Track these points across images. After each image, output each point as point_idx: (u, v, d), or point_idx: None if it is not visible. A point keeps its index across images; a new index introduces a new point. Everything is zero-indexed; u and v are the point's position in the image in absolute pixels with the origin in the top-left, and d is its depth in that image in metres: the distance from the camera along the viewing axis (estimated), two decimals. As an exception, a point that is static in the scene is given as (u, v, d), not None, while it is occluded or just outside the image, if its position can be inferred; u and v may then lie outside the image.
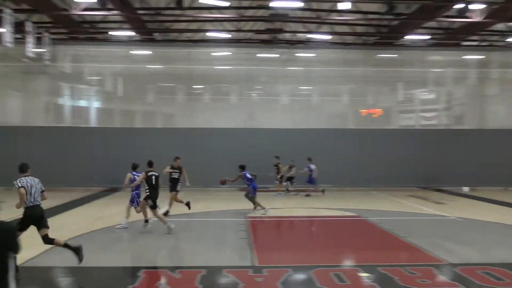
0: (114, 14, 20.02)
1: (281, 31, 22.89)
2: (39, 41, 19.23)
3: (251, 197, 13.78)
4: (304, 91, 23.15)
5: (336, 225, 12.47)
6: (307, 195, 17.94)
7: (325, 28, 23.45)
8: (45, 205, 14.64)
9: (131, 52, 21.65)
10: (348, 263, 8.33)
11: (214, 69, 22.99)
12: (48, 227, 7.26)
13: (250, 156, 20.21)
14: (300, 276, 7.09)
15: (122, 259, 7.99)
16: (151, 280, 6.93)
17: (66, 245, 7.25)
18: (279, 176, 18.63)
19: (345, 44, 23.88)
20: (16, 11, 19.04)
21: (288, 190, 18.54)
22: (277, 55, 22.36)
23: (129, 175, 11.11)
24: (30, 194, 7.00)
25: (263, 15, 21.33)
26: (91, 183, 20.16)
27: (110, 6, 18.05)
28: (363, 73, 22.47)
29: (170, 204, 12.62)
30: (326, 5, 20.13)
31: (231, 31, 23.55)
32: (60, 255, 8.24)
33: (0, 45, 18.04)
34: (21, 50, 18.79)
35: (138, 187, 10.98)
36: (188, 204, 12.45)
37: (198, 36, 25.27)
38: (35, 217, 7.09)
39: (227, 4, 18.98)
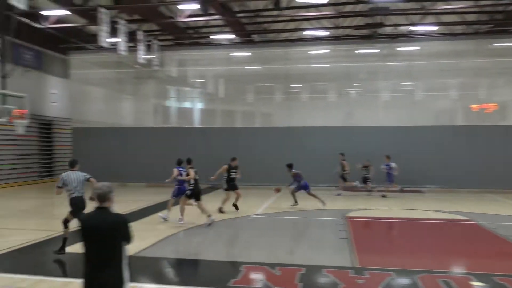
0: (215, 19, 20.90)
1: (381, 25, 22.01)
2: (148, 48, 20.77)
3: (293, 193, 14.18)
4: (406, 86, 21.93)
5: (444, 228, 11.63)
6: (383, 196, 16.85)
7: (430, 18, 22.05)
8: (154, 200, 15.79)
9: (231, 54, 22.40)
10: (458, 270, 7.72)
11: (311, 67, 22.84)
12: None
13: (349, 154, 19.75)
14: (404, 281, 6.73)
15: (225, 253, 8.27)
16: (252, 275, 7.08)
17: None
18: (343, 173, 17.64)
19: (453, 35, 22.21)
20: (129, 21, 20.78)
21: (364, 189, 17.62)
22: (377, 50, 21.50)
23: (175, 170, 11.79)
24: (70, 185, 7.82)
25: (362, 10, 20.69)
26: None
27: (212, 11, 18.89)
28: (474, 65, 20.63)
29: (233, 200, 13.34)
30: (431, -6, 18.91)
31: (329, 28, 23.21)
32: (170, 246, 8.81)
33: (115, 53, 19.85)
34: (133, 57, 20.46)
35: (183, 181, 11.66)
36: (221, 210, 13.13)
37: (295, 35, 25.34)
38: (79, 205, 7.75)
39: (325, 1, 18.75)
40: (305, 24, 23.80)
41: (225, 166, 13.36)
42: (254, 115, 23.77)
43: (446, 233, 11.05)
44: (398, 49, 22.17)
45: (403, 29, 22.98)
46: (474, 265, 7.80)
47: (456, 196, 17.71)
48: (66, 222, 7.97)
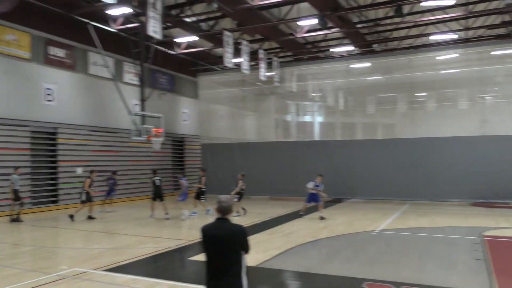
0: (334, 31, 20.83)
1: (521, 21, 19.76)
2: (269, 65, 21.48)
3: None
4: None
5: None
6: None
7: None
8: (277, 213, 16.08)
9: (350, 66, 22.03)
10: None
11: (438, 74, 21.35)
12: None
13: (484, 166, 17.98)
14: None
15: (347, 268, 8.03)
16: (374, 293, 6.76)
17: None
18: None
19: None
20: (251, 41, 21.80)
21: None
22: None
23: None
24: None
25: (497, 7, 18.81)
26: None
27: (330, 24, 18.88)
28: None
29: None
30: None
31: (458, 30, 21.57)
32: (291, 259, 8.86)
33: (239, 72, 20.93)
34: (255, 75, 21.34)
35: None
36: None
37: (419, 41, 24.04)
38: None
39: (452, 2, 17.48)
40: (430, 29, 22.45)
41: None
42: (375, 126, 22.94)
43: None
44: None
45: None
46: None
47: None
48: None
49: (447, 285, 6.90)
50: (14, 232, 12.87)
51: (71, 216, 14.42)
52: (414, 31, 22.92)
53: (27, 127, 17.17)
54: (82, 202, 14.96)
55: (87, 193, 14.90)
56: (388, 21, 20.65)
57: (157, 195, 15.63)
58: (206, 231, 4.01)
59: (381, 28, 22.73)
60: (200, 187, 15.62)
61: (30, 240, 11.81)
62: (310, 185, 14.58)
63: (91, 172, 15.47)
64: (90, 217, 14.87)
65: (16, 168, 14.82)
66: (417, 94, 21.03)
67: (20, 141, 16.89)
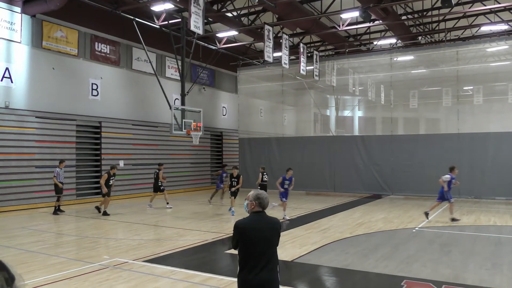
0: (377, 24, 20.31)
1: None
2: (309, 59, 21.25)
3: None
4: None
5: None
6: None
7: None
8: (313, 208, 15.92)
9: (393, 59, 21.45)
10: None
11: (487, 66, 20.40)
12: None
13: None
14: None
15: (385, 265, 7.86)
16: (414, 291, 6.58)
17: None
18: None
19: None
20: (291, 35, 21.64)
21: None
22: None
23: None
24: None
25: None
26: (355, 189, 20.87)
27: (373, 17, 18.41)
28: None
29: None
30: None
31: (510, 21, 20.54)
32: (328, 255, 8.77)
33: (279, 67, 20.85)
34: (294, 69, 21.17)
35: None
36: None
37: (467, 33, 23.11)
38: None
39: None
40: (480, 20, 21.49)
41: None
42: (419, 121, 22.24)
43: None
44: None
45: None
46: None
47: None
48: None
49: (490, 286, 6.62)
50: (59, 223, 13.45)
51: (101, 211, 14.63)
52: (463, 22, 22.01)
53: (74, 121, 17.86)
54: (103, 195, 14.69)
55: (107, 188, 14.50)
56: (435, 12, 19.94)
57: (156, 187, 16.63)
58: (246, 225, 3.91)
59: (427, 20, 21.99)
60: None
61: (74, 230, 12.29)
62: (447, 178, 11.87)
63: (111, 168, 14.82)
64: (99, 210, 14.75)
65: (61, 161, 15.06)
66: (463, 88, 20.20)
67: (66, 134, 17.58)
